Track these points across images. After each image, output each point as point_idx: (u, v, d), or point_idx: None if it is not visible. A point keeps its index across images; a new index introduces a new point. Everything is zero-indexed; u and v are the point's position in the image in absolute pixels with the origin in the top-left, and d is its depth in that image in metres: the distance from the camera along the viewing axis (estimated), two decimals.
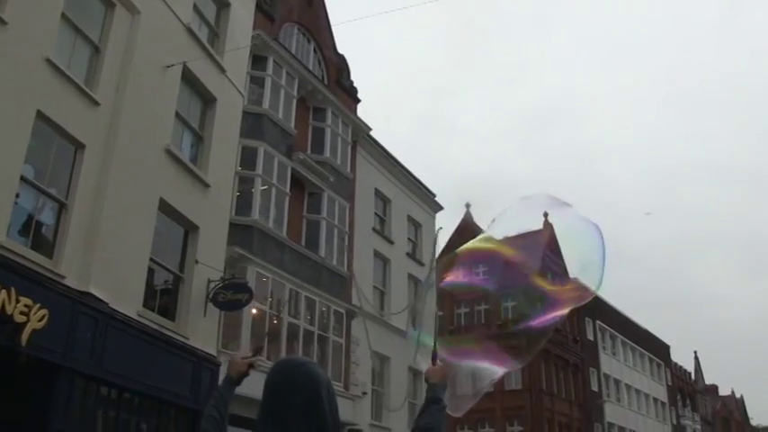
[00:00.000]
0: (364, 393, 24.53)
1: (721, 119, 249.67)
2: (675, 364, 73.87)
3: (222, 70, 18.87)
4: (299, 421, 2.53)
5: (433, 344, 3.73)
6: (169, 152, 16.07)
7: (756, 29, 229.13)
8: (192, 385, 15.78)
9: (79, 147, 13.46)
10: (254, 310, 19.75)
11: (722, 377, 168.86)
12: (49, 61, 12.77)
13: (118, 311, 13.65)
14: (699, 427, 74.18)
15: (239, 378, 3.27)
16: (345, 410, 22.62)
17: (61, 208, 13.06)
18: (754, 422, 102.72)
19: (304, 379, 2.61)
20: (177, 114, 16.89)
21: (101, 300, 13.18)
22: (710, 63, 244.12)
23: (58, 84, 13.03)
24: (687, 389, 76.17)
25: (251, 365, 3.31)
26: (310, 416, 2.55)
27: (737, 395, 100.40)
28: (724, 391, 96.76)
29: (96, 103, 13.89)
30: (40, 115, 12.53)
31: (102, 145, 13.92)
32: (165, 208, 15.85)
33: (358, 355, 24.94)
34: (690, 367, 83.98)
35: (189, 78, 17.38)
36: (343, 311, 24.14)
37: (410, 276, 30.58)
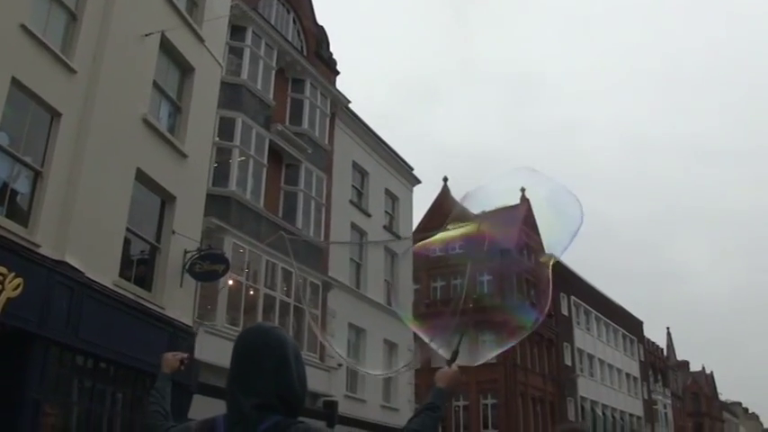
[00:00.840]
0: (339, 365, 24.64)
1: (698, 95, 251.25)
2: (648, 340, 74.74)
3: (201, 40, 18.70)
4: (269, 384, 2.55)
5: (458, 341, 3.30)
6: (146, 122, 15.95)
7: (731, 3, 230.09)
8: None
9: (55, 115, 13.32)
10: (230, 281, 19.77)
11: (694, 353, 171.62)
12: (24, 27, 12.60)
13: (94, 281, 13.60)
14: (669, 401, 75.28)
15: (173, 374, 3.56)
16: (321, 382, 22.77)
17: (37, 176, 12.95)
18: (722, 397, 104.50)
19: (274, 343, 2.63)
20: (155, 83, 16.74)
21: (76, 269, 13.12)
22: (688, 39, 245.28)
23: (33, 51, 12.87)
24: (659, 364, 77.16)
25: (182, 361, 3.59)
26: (279, 379, 2.57)
27: (708, 371, 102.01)
28: (695, 367, 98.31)
29: (73, 71, 13.74)
30: (15, 82, 12.38)
31: (78, 113, 13.79)
32: (141, 178, 15.76)
33: (334, 327, 25.04)
34: (662, 343, 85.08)
35: (167, 47, 17.22)
36: (319, 283, 24.20)
37: (386, 249, 30.67)
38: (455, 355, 3.16)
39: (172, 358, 3.60)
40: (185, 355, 3.67)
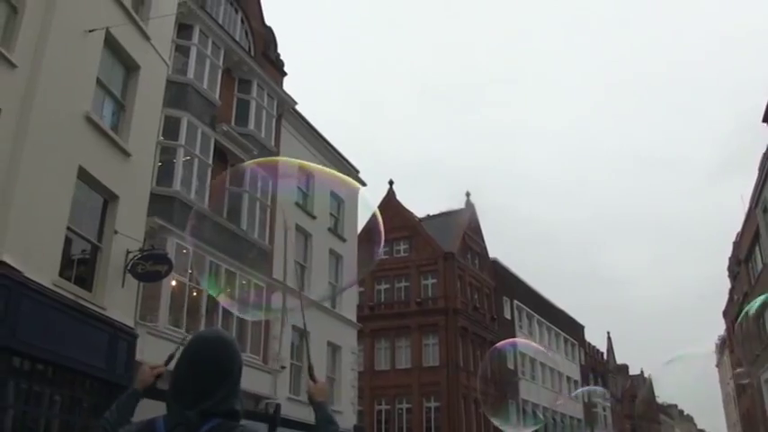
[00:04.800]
0: (283, 367, 24.54)
1: (635, 108, 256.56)
2: (589, 344, 75.90)
3: (147, 38, 18.47)
4: (217, 397, 2.56)
5: (307, 359, 3.61)
6: (89, 119, 15.68)
7: (674, 33, 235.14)
8: (107, 357, 15.56)
9: None
10: (173, 282, 19.54)
11: (632, 357, 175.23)
12: None
13: (32, 280, 13.32)
14: (609, 404, 76.48)
15: (144, 390, 3.19)
16: (264, 384, 22.66)
17: None
18: (660, 400, 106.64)
19: (231, 357, 2.67)
20: (98, 81, 16.47)
21: (14, 268, 12.84)
22: (626, 56, 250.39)
23: None
24: (599, 368, 78.38)
25: (159, 375, 3.25)
26: (228, 395, 2.60)
27: (646, 374, 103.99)
28: (634, 370, 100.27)
29: (13, 66, 13.46)
30: None
31: (18, 109, 13.51)
32: (84, 176, 15.49)
33: (278, 329, 24.90)
34: (603, 347, 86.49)
35: (112, 44, 16.97)
36: (263, 285, 24.05)
37: (331, 252, 30.62)
38: (311, 369, 3.42)
39: (148, 371, 3.20)
40: (164, 369, 3.22)
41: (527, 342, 46.04)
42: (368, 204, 25.72)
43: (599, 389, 64.56)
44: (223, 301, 20.16)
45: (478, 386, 41.58)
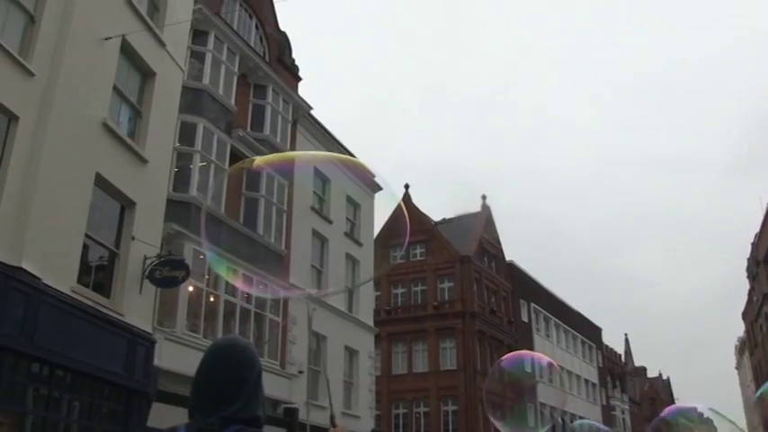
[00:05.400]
0: (300, 372, 24.55)
1: (654, 111, 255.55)
2: (606, 346, 75.54)
3: (162, 44, 18.56)
4: (238, 405, 2.55)
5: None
6: (106, 126, 15.77)
7: (683, 30, 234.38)
8: (126, 362, 15.62)
9: (12, 118, 13.13)
10: (190, 288, 19.60)
11: (649, 357, 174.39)
12: None
13: (51, 287, 13.40)
14: (627, 407, 76.08)
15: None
16: (281, 389, 22.67)
17: None
18: (679, 402, 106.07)
19: (248, 363, 2.65)
20: (115, 88, 16.56)
21: (33, 275, 12.92)
22: (642, 60, 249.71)
23: None
24: (617, 370, 77.98)
25: None
26: (249, 402, 2.59)
27: (664, 377, 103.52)
28: (652, 372, 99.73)
29: (31, 74, 13.56)
30: None
31: (36, 117, 13.60)
32: (101, 183, 15.57)
33: (295, 334, 24.94)
34: (620, 349, 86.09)
35: (128, 51, 17.06)
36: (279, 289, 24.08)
37: (348, 256, 30.64)
38: (332, 417, 3.62)
39: None
40: None
41: (540, 355, 45.83)
42: (393, 196, 25.64)
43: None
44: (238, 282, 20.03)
45: (485, 390, 41.52)
